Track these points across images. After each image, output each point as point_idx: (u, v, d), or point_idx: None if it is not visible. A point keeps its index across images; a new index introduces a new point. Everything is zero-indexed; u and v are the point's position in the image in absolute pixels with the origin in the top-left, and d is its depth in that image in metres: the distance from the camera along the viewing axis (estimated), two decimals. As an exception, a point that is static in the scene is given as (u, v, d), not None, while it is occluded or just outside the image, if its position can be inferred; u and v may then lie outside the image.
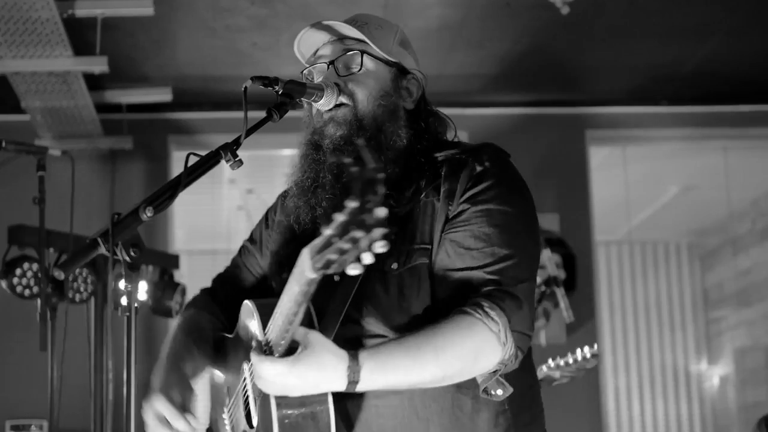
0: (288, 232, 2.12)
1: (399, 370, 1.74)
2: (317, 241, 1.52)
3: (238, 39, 5.17)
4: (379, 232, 1.43)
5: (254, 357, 1.75)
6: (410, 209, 1.96)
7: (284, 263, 2.05)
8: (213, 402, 2.19)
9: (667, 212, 8.37)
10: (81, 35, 4.81)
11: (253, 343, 1.81)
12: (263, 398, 1.83)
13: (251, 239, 2.31)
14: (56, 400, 4.13)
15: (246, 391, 1.95)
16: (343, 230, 1.46)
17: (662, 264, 9.46)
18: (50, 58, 4.75)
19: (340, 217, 1.46)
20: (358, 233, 1.44)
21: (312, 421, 1.78)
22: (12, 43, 4.62)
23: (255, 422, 1.89)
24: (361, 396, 1.86)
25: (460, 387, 1.88)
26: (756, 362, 8.37)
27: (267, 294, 2.09)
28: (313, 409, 1.78)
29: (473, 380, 1.87)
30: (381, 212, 1.44)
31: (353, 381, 1.71)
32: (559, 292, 5.85)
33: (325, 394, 1.78)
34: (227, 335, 2.11)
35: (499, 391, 1.84)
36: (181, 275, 5.48)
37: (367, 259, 1.47)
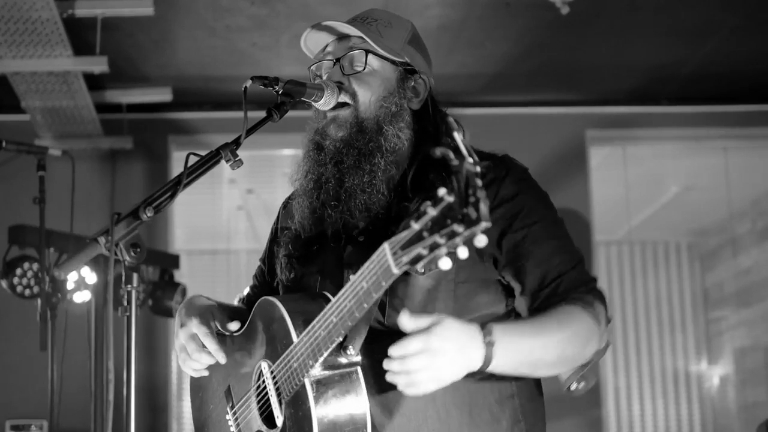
0: (293, 233, 2.12)
1: (526, 349, 1.75)
2: (401, 236, 1.50)
3: (238, 39, 5.17)
4: (484, 226, 1.40)
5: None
6: None
7: (293, 264, 2.07)
8: (205, 399, 2.16)
9: (667, 212, 8.36)
10: (81, 35, 4.81)
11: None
12: (295, 397, 1.81)
13: (263, 261, 2.32)
14: (56, 400, 4.13)
15: (264, 391, 1.93)
16: (436, 224, 1.43)
17: (662, 264, 9.45)
18: (50, 58, 4.75)
19: (431, 211, 1.44)
20: (458, 227, 1.41)
21: (350, 420, 1.79)
22: (12, 43, 4.61)
23: (279, 422, 1.87)
24: (387, 398, 1.87)
25: (480, 396, 1.91)
26: (756, 362, 8.37)
27: None
28: (351, 411, 1.78)
29: (493, 390, 1.90)
30: (485, 207, 1.41)
31: (488, 357, 1.69)
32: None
33: (363, 393, 1.79)
34: (228, 332, 2.08)
35: (583, 384, 1.92)
36: (181, 275, 5.48)
37: (464, 253, 1.44)
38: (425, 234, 1.45)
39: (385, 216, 1.98)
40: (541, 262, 1.90)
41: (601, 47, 5.42)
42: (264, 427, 1.93)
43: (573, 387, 1.89)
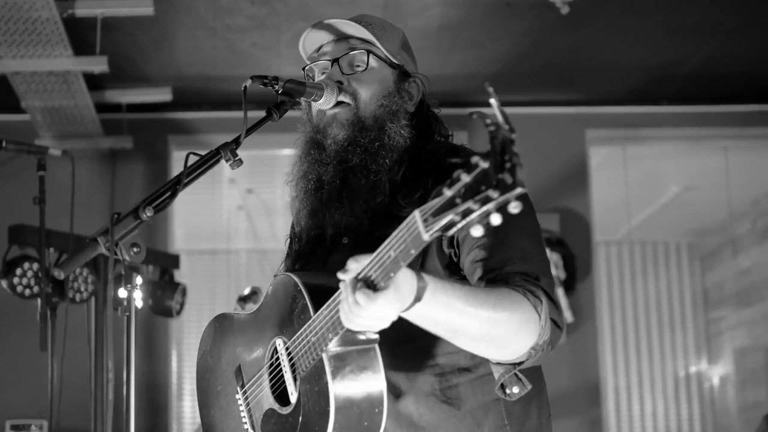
0: (294, 241, 2.12)
1: (455, 307, 1.66)
2: (433, 203, 1.44)
3: (238, 39, 5.17)
4: (519, 191, 1.36)
5: (360, 295, 1.58)
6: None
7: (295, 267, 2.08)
8: (213, 380, 2.14)
9: (667, 212, 8.36)
10: (81, 35, 4.81)
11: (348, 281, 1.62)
12: (311, 372, 1.78)
13: None
14: (56, 400, 4.13)
15: (277, 369, 1.90)
16: (470, 190, 1.38)
17: (662, 264, 9.45)
18: (50, 58, 4.75)
19: (465, 178, 1.39)
20: (493, 193, 1.36)
21: (367, 397, 1.76)
22: (12, 43, 4.62)
23: (293, 398, 1.84)
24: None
25: (462, 399, 1.90)
26: (756, 362, 8.37)
27: None
28: (367, 388, 1.76)
29: (477, 393, 1.87)
30: (521, 172, 1.36)
31: (418, 298, 1.61)
32: (559, 292, 5.86)
33: (381, 371, 1.77)
34: (239, 314, 2.07)
35: (516, 389, 1.80)
36: (181, 275, 5.48)
37: (497, 220, 1.39)
38: (458, 200, 1.40)
39: (381, 217, 1.96)
40: (507, 248, 1.84)
41: (601, 47, 5.42)
42: (276, 405, 1.90)
43: (507, 391, 1.80)
